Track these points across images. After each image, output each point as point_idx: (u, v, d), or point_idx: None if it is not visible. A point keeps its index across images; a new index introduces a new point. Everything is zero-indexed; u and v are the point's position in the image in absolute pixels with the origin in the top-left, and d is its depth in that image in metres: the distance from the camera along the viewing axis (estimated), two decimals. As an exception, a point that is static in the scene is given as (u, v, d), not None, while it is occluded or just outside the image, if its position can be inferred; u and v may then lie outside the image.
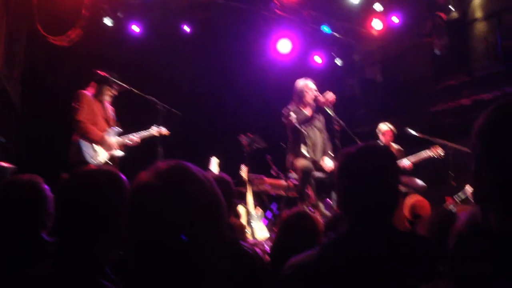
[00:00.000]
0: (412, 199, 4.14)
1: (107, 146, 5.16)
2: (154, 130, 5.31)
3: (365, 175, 1.50)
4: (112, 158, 5.25)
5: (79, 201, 1.41)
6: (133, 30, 7.86)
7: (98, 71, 5.18)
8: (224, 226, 1.02)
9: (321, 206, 5.63)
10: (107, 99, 5.33)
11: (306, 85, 5.71)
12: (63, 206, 1.46)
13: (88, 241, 1.36)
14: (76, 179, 1.53)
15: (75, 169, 4.90)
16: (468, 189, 5.60)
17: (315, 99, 5.70)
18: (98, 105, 5.24)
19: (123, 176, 1.54)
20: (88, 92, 5.22)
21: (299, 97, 5.71)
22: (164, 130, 5.41)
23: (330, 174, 5.56)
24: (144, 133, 5.38)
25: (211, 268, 0.99)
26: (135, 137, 5.35)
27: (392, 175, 1.55)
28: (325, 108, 5.64)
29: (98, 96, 5.25)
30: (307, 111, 5.72)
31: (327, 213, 5.53)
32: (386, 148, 1.58)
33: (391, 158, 1.59)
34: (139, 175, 1.02)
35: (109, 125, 5.30)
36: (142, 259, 0.96)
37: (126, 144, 5.36)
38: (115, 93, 5.34)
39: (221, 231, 1.01)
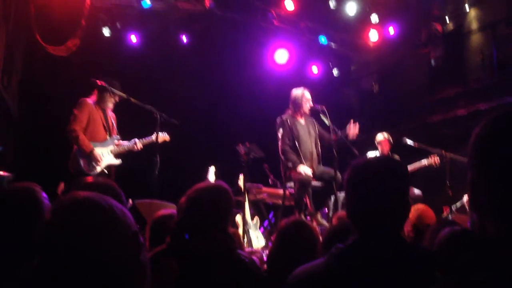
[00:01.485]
0: (416, 208, 4.13)
1: (93, 161, 5.10)
2: (155, 137, 5.30)
3: (375, 186, 1.51)
4: (109, 167, 5.25)
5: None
6: (131, 40, 7.90)
7: (97, 80, 5.19)
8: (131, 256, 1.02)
9: (318, 215, 5.64)
10: (109, 106, 5.34)
11: (304, 95, 5.74)
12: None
13: None
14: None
15: (74, 179, 4.92)
16: (466, 198, 5.62)
17: (311, 109, 5.73)
18: (99, 113, 5.24)
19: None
20: (91, 100, 5.23)
21: (295, 107, 5.73)
22: (165, 136, 5.42)
23: (327, 183, 5.57)
24: (145, 140, 5.38)
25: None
26: (138, 143, 5.34)
27: (402, 187, 1.56)
28: (322, 117, 5.67)
29: (100, 103, 5.26)
30: (302, 120, 5.75)
31: (324, 222, 5.54)
32: (396, 160, 1.59)
33: (401, 170, 1.60)
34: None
35: (110, 134, 5.30)
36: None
37: (131, 149, 5.33)
38: (117, 100, 5.34)
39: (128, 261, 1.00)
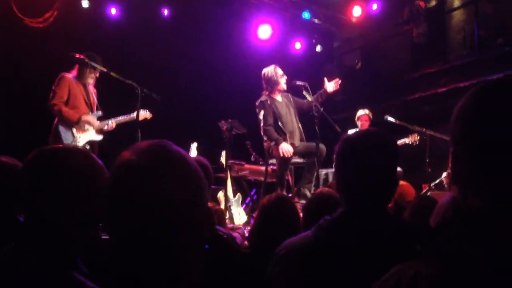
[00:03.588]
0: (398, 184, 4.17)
1: (84, 127, 5.07)
2: (136, 113, 5.22)
3: (364, 160, 1.52)
4: (91, 143, 5.18)
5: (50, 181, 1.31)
6: (110, 12, 7.72)
7: (76, 54, 5.07)
8: (203, 207, 1.00)
9: (300, 191, 5.67)
10: (90, 81, 5.23)
11: (278, 72, 5.68)
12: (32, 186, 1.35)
13: (62, 227, 1.29)
14: (45, 158, 1.38)
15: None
16: (445, 175, 5.69)
17: (291, 85, 5.71)
18: (80, 88, 5.14)
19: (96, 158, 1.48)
20: (71, 75, 5.12)
21: (272, 85, 5.67)
22: (147, 114, 5.36)
23: (308, 159, 5.60)
24: (126, 118, 5.30)
25: (188, 253, 0.96)
26: (111, 122, 5.27)
27: (391, 161, 1.57)
28: (304, 94, 5.64)
29: (80, 79, 5.15)
30: (279, 98, 5.72)
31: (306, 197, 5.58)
32: (386, 134, 1.60)
33: (391, 145, 1.61)
34: (121, 153, 0.99)
35: (91, 109, 5.22)
36: (118, 238, 0.94)
37: (103, 129, 5.28)
38: (97, 75, 5.24)
39: (199, 211, 0.98)
